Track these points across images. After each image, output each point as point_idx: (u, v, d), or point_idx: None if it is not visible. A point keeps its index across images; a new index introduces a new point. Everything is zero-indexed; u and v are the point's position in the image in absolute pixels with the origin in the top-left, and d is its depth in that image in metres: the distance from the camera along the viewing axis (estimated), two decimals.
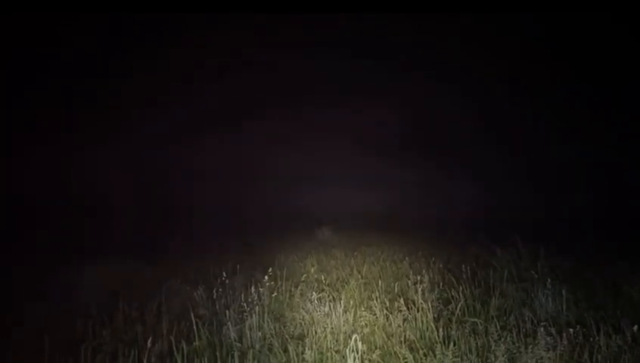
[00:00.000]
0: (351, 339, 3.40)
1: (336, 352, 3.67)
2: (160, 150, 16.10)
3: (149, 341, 3.62)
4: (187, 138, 16.55)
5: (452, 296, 4.81)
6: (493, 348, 3.49)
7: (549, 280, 4.76)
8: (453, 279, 5.39)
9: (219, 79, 16.60)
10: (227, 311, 4.36)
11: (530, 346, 3.43)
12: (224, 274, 5.21)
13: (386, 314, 4.44)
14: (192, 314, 4.12)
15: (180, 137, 16.40)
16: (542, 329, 3.58)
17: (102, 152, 15.23)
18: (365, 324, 4.32)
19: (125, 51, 14.32)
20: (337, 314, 4.32)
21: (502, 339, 3.58)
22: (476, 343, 3.68)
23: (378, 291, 4.99)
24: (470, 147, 18.19)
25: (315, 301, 4.75)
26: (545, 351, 3.38)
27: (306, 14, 14.04)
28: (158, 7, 12.47)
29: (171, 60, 15.55)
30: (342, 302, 4.52)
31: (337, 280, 5.94)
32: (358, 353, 3.30)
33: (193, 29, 14.57)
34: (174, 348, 3.66)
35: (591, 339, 3.66)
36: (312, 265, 6.51)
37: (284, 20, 14.47)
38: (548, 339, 3.49)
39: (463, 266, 5.70)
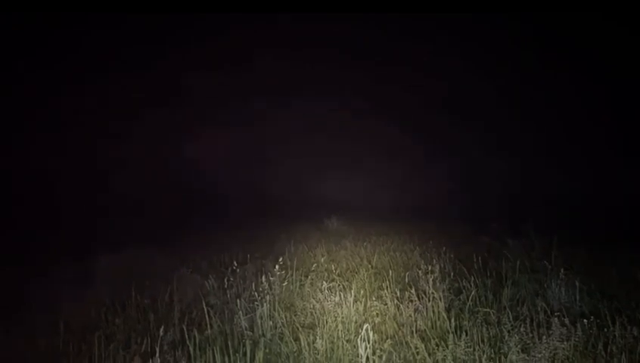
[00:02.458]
0: (362, 328, 3.38)
1: (347, 341, 3.67)
2: (170, 142, 16.19)
3: (161, 329, 3.64)
4: (197, 129, 16.60)
5: (464, 286, 4.77)
6: (506, 338, 3.46)
7: (562, 270, 4.70)
8: (464, 269, 5.36)
9: (232, 72, 16.56)
10: (238, 301, 4.37)
11: (544, 337, 3.39)
12: (234, 263, 5.22)
13: (396, 304, 4.42)
14: (204, 303, 4.14)
15: (190, 129, 16.46)
16: (555, 319, 3.53)
17: (113, 145, 15.33)
18: (376, 313, 4.31)
19: (136, 47, 14.37)
20: (348, 303, 4.31)
21: (515, 330, 3.55)
22: (489, 333, 3.66)
23: (389, 281, 4.96)
24: (480, 139, 18.02)
25: (326, 290, 4.75)
26: (559, 342, 3.34)
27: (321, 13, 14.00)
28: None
29: (182, 55, 15.55)
30: (352, 291, 4.50)
31: (347, 269, 5.94)
32: (369, 343, 3.28)
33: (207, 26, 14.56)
34: (186, 336, 3.69)
35: (605, 330, 3.61)
36: (322, 255, 6.51)
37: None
38: (562, 329, 3.45)
39: (474, 256, 5.65)
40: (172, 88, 16.09)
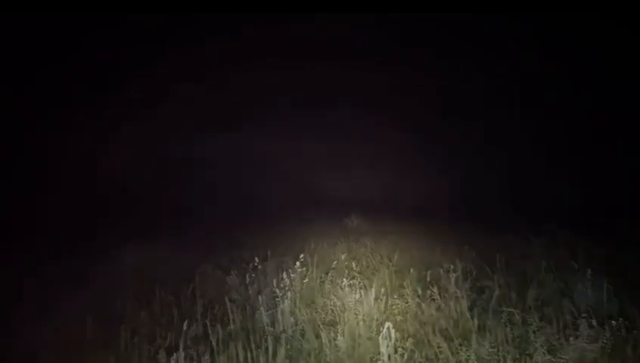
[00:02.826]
0: (383, 326, 3.36)
1: (368, 339, 3.66)
2: (189, 137, 16.35)
3: (185, 324, 3.70)
4: (215, 125, 16.73)
5: (486, 285, 4.71)
6: (532, 339, 3.40)
7: (589, 270, 4.58)
8: (487, 268, 5.27)
9: (249, 69, 16.62)
10: (259, 297, 4.39)
11: (571, 338, 3.32)
12: (255, 259, 5.26)
13: (418, 302, 4.39)
14: (226, 299, 4.19)
15: (208, 124, 16.60)
16: (583, 321, 3.45)
17: (135, 139, 15.55)
18: (398, 311, 4.29)
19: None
20: (369, 301, 4.30)
21: (541, 331, 3.48)
22: (513, 334, 3.60)
23: (410, 279, 4.93)
24: (502, 133, 17.68)
25: (346, 288, 4.75)
26: (586, 343, 3.27)
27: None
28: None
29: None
30: (373, 289, 4.49)
31: (368, 267, 5.91)
32: (391, 341, 3.26)
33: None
34: (209, 331, 3.73)
35: (634, 331, 3.51)
36: (342, 252, 6.49)
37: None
38: (590, 331, 3.37)
39: (497, 255, 5.56)
40: (189, 84, 16.21)
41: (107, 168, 14.35)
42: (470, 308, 4.16)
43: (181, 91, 16.16)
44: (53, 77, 13.59)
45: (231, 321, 4.01)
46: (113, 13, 12.45)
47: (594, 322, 3.49)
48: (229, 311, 4.08)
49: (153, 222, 9.59)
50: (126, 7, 12.20)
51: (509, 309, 4.11)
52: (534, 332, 3.51)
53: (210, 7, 12.99)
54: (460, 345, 3.51)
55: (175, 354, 3.25)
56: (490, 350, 3.34)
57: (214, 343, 3.57)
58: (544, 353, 3.24)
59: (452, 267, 4.82)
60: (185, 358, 3.28)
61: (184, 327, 3.67)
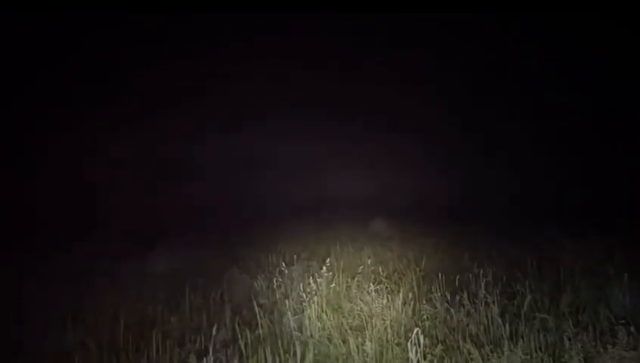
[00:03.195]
0: (412, 332, 3.32)
1: (397, 344, 3.62)
2: (215, 141, 16.57)
3: (214, 328, 3.75)
4: (237, 126, 16.92)
5: (518, 291, 4.59)
6: (567, 346, 3.30)
7: (626, 275, 4.41)
8: (518, 273, 5.14)
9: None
10: (286, 301, 4.42)
11: (608, 346, 3.20)
12: (282, 264, 5.30)
13: (447, 307, 4.32)
14: (254, 303, 4.22)
15: (231, 126, 16.80)
16: (621, 327, 3.33)
17: (163, 146, 15.88)
18: (426, 317, 4.23)
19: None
20: (396, 306, 4.26)
21: (577, 338, 3.37)
22: (547, 341, 3.49)
23: (438, 284, 4.86)
24: (533, 135, 17.29)
25: (373, 293, 4.72)
26: (625, 351, 3.15)
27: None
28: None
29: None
30: (401, 294, 4.44)
31: (395, 272, 5.86)
32: (420, 347, 3.22)
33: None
34: (238, 335, 3.77)
35: None
36: (368, 257, 6.45)
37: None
38: (628, 338, 3.24)
39: (529, 259, 5.42)
40: (213, 81, 16.38)
41: (135, 170, 14.65)
42: (502, 314, 4.06)
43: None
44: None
45: (259, 326, 4.04)
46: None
47: (632, 329, 3.36)
48: (257, 315, 4.11)
49: (181, 227, 9.78)
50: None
51: (542, 315, 4.00)
52: (569, 339, 3.40)
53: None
54: (491, 351, 3.43)
55: (204, 358, 3.30)
56: (523, 357, 3.25)
57: (242, 347, 3.61)
58: (580, 361, 3.14)
59: (481, 272, 4.72)
60: (215, 362, 3.32)
61: (214, 332, 3.72)
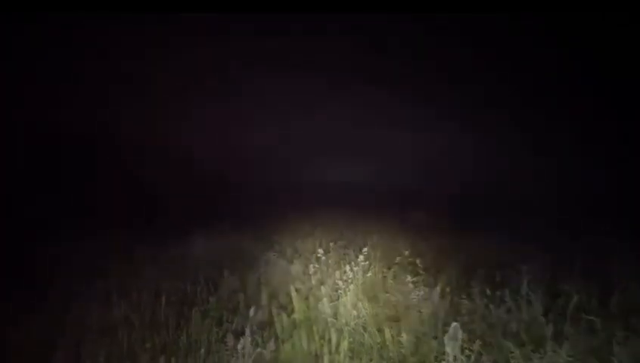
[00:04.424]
0: (449, 326, 3.24)
1: (434, 338, 3.56)
2: (253, 128, 16.76)
3: (251, 310, 3.82)
4: (279, 116, 17.02)
5: (563, 289, 4.39)
6: (616, 350, 3.12)
7: None
8: (564, 271, 4.92)
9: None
10: (322, 287, 4.42)
11: None
12: (319, 250, 5.31)
13: (486, 303, 4.19)
14: (291, 288, 4.26)
15: (272, 116, 16.93)
16: None
17: (201, 132, 16.21)
18: (464, 311, 4.13)
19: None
20: (433, 299, 4.17)
21: (627, 342, 3.18)
22: (594, 343, 3.32)
23: (478, 279, 4.72)
24: (583, 127, 16.40)
25: (410, 284, 4.64)
26: None
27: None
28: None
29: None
30: (438, 287, 4.35)
31: (433, 264, 5.75)
32: (457, 341, 3.14)
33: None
34: (274, 318, 3.82)
35: None
36: (406, 248, 6.36)
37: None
38: None
39: (577, 257, 5.17)
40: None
41: (180, 156, 15.04)
42: (545, 313, 3.90)
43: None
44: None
45: (295, 310, 4.07)
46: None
47: None
48: (293, 300, 4.14)
49: (221, 210, 10.00)
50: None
51: (589, 317, 3.80)
52: (619, 343, 3.21)
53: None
54: (533, 351, 3.31)
55: (241, 338, 3.36)
56: (568, 359, 3.11)
57: (279, 331, 3.65)
58: None
59: (524, 268, 4.54)
60: (252, 343, 3.38)
61: (251, 313, 3.79)
